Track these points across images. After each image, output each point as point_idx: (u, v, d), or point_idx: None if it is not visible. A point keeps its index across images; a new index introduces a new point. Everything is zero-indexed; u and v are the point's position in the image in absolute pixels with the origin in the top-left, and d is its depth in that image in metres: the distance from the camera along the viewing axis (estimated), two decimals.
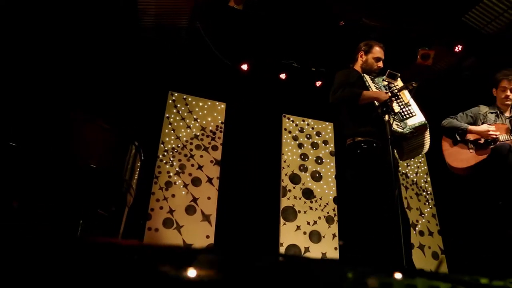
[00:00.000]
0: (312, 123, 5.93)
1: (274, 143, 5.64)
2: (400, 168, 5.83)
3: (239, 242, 4.91)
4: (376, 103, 2.56)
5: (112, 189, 3.07)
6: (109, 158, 3.04)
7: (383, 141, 2.61)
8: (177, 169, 5.11)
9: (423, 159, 6.19)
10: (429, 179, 6.11)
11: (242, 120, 5.61)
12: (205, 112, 5.56)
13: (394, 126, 2.58)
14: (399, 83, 2.86)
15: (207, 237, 4.89)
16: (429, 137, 2.76)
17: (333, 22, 5.78)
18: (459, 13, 5.67)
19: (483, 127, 3.16)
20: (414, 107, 2.70)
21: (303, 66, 6.04)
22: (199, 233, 4.87)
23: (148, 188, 4.90)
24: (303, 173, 5.54)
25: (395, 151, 2.87)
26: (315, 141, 5.83)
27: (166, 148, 5.17)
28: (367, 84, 2.80)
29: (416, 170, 6.14)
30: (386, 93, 2.63)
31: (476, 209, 4.00)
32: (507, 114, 3.33)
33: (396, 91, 2.67)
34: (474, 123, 3.34)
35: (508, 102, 3.30)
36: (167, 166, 5.08)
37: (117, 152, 3.12)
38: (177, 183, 5.03)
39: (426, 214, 5.81)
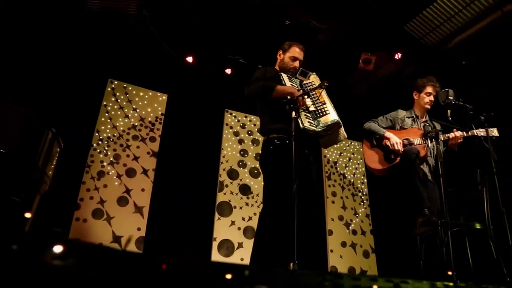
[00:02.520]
0: (254, 119, 5.95)
1: (215, 138, 5.62)
2: (338, 169, 5.98)
3: (171, 235, 4.85)
4: (289, 98, 2.57)
5: (22, 175, 2.94)
6: (19, 142, 2.92)
7: (297, 138, 2.66)
8: (111, 159, 4.98)
9: (361, 161, 6.37)
10: (365, 180, 6.30)
11: (184, 112, 5.53)
12: (146, 102, 5.46)
13: (307, 124, 2.63)
14: (317, 81, 2.91)
15: (139, 229, 4.81)
16: (344, 134, 2.83)
17: (283, 22, 5.81)
18: (402, 22, 5.87)
19: (395, 139, 3.27)
20: (329, 106, 2.76)
21: (250, 63, 6.05)
22: (130, 225, 4.78)
23: (78, 177, 4.75)
24: (241, 169, 5.56)
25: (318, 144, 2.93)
26: (256, 137, 5.86)
27: (101, 137, 5.03)
28: (283, 82, 2.83)
29: (354, 171, 6.31)
30: (299, 90, 2.68)
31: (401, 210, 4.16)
32: (423, 119, 3.48)
33: (308, 89, 2.72)
34: (393, 126, 3.47)
35: (428, 107, 3.45)
36: (101, 156, 4.95)
37: (29, 137, 3.00)
38: (110, 173, 4.91)
39: (360, 214, 5.99)
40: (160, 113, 5.48)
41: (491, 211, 2.65)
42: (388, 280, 0.96)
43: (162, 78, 5.60)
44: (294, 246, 2.14)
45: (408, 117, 3.47)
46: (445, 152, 3.13)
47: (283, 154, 2.47)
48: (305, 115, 2.68)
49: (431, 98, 3.39)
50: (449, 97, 2.97)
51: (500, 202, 2.40)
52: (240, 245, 5.12)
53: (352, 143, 6.56)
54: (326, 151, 6.20)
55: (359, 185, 6.22)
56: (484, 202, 2.72)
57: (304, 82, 2.87)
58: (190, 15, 5.47)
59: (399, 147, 3.22)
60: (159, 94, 5.59)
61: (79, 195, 4.66)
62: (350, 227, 5.83)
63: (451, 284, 0.97)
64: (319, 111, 2.72)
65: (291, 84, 2.84)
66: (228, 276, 1.18)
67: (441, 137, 3.01)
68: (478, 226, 2.71)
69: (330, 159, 6.21)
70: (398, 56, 5.80)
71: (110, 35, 5.34)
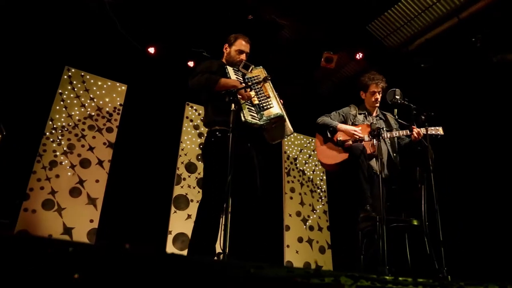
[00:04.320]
0: None
1: (174, 131, 5.55)
2: (298, 165, 6.04)
3: (124, 228, 4.77)
4: (230, 91, 2.58)
5: None
6: None
7: (240, 130, 2.68)
8: (65, 149, 4.84)
9: None
10: (325, 177, 6.40)
11: (143, 104, 5.44)
12: (104, 92, 5.33)
13: (249, 117, 2.64)
14: (263, 75, 2.92)
15: (91, 221, 4.70)
16: (290, 128, 2.85)
17: (248, 16, 5.79)
18: (364, 22, 5.97)
19: (351, 127, 3.34)
20: (273, 100, 2.77)
21: (213, 56, 6.01)
22: (82, 217, 4.66)
23: (29, 166, 4.59)
24: (200, 162, 5.53)
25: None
26: None
27: (54, 126, 4.87)
28: (228, 75, 2.83)
29: (313, 168, 6.39)
30: (241, 83, 2.69)
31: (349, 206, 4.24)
32: (374, 114, 3.55)
33: (252, 82, 2.74)
34: (345, 122, 3.53)
35: (377, 104, 3.52)
36: (54, 145, 4.80)
37: None
38: (63, 163, 4.77)
39: (318, 210, 6.08)
40: (118, 103, 5.37)
41: (430, 208, 2.73)
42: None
43: (122, 68, 5.47)
44: (221, 236, 2.17)
45: (360, 113, 3.53)
46: (408, 147, 3.22)
47: (223, 146, 2.47)
48: (248, 108, 2.69)
49: (377, 96, 3.45)
50: (396, 96, 3.04)
51: (434, 200, 2.49)
52: None
53: (313, 140, 6.64)
54: (287, 147, 6.25)
55: (318, 182, 6.31)
56: (422, 199, 2.82)
57: (248, 75, 2.88)
58: (153, 5, 5.38)
59: (358, 134, 3.27)
60: (118, 84, 5.47)
61: (28, 185, 4.51)
62: (307, 223, 5.91)
63: (357, 274, 0.98)
64: (263, 104, 2.73)
65: (236, 77, 2.85)
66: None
67: (384, 135, 3.10)
68: (415, 222, 2.81)
69: (290, 155, 6.27)
70: (359, 56, 5.89)
71: (68, 21, 5.17)
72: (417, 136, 3.04)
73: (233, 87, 2.63)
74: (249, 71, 2.87)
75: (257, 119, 2.68)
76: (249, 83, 2.71)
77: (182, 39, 5.77)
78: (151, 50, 5.61)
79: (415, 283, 0.80)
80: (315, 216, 6.03)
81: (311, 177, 6.28)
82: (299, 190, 6.07)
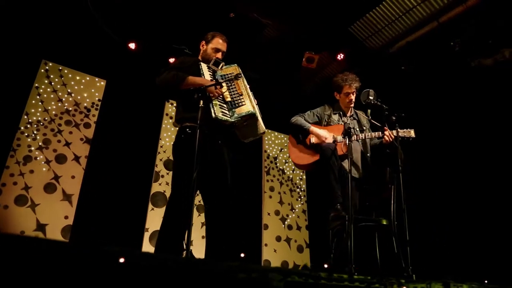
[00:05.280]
0: None
1: (153, 128, 5.51)
2: (278, 164, 6.05)
3: (100, 224, 4.71)
4: (199, 88, 2.58)
5: None
6: None
7: (211, 127, 2.69)
8: (40, 144, 4.76)
9: None
10: (304, 176, 6.42)
11: (122, 100, 5.38)
12: (82, 87, 5.26)
13: (220, 114, 2.64)
14: (236, 72, 2.92)
15: (66, 217, 4.64)
16: (262, 127, 2.85)
17: (230, 14, 5.77)
18: (347, 23, 6.01)
19: (322, 132, 3.35)
20: (245, 98, 2.77)
21: (194, 54, 5.97)
22: (57, 213, 4.60)
23: (2, 161, 4.50)
24: None
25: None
26: None
27: (30, 120, 4.79)
28: (202, 72, 2.83)
29: (293, 167, 6.41)
30: (211, 80, 2.69)
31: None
32: (348, 114, 3.57)
33: (223, 80, 2.74)
34: (319, 122, 3.54)
35: (352, 105, 3.54)
36: (29, 140, 4.71)
37: None
38: (38, 158, 4.69)
39: (296, 210, 6.11)
40: (97, 99, 5.30)
41: (400, 208, 2.76)
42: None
43: (101, 63, 5.40)
44: (188, 235, 2.17)
45: (335, 113, 3.55)
46: (378, 148, 3.25)
47: (192, 143, 2.46)
48: (219, 105, 2.69)
49: (350, 97, 3.46)
50: (370, 97, 3.07)
51: (402, 200, 2.52)
52: None
53: None
54: (267, 146, 6.26)
55: (297, 181, 6.34)
56: (391, 199, 2.86)
57: (222, 73, 2.87)
58: (135, 1, 5.32)
59: (328, 138, 3.28)
60: (97, 79, 5.40)
61: (1, 180, 4.42)
62: (286, 222, 5.93)
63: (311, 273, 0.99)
64: (235, 101, 2.73)
65: (210, 74, 2.84)
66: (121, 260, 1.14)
67: (356, 136, 3.12)
68: (384, 222, 2.84)
69: (270, 154, 6.28)
70: (340, 56, 5.93)
71: (46, 14, 5.07)
72: (388, 139, 3.07)
73: (201, 85, 2.63)
74: (220, 68, 2.87)
75: (228, 116, 2.68)
76: (220, 81, 2.71)
77: (163, 35, 5.73)
78: (132, 45, 5.55)
79: (351, 280, 0.81)
80: (294, 215, 6.05)
81: (291, 176, 6.30)
82: (279, 189, 6.08)
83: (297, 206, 6.13)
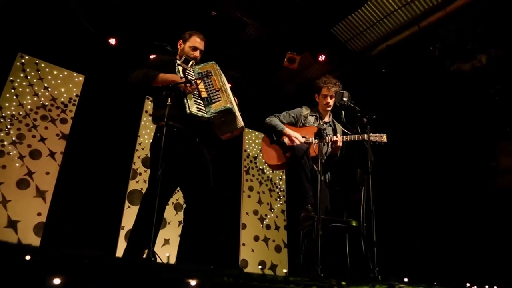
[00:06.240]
0: None
1: (132, 125, 5.44)
2: (257, 164, 6.05)
3: (75, 222, 4.64)
4: (169, 85, 2.58)
5: None
6: None
7: (189, 125, 2.69)
8: (13, 139, 4.66)
9: None
10: (284, 176, 6.43)
11: (101, 96, 5.30)
12: (59, 81, 5.17)
13: (194, 109, 2.64)
14: (214, 70, 2.92)
15: (39, 214, 4.55)
16: (240, 123, 2.84)
17: (212, 12, 5.73)
18: (329, 24, 6.03)
19: (295, 134, 3.35)
20: (222, 94, 2.77)
21: (176, 51, 5.92)
22: (29, 210, 4.51)
23: None
24: None
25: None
26: None
27: (3, 114, 4.69)
28: (177, 70, 2.82)
29: None
30: (182, 78, 2.68)
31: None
32: (326, 119, 3.58)
33: (199, 77, 2.75)
34: (295, 123, 3.55)
35: (328, 108, 3.55)
36: (2, 134, 4.61)
37: None
38: (11, 153, 4.59)
39: (275, 209, 6.11)
40: (74, 94, 5.22)
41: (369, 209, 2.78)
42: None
43: (80, 58, 5.32)
44: (154, 233, 2.16)
45: (312, 115, 3.56)
46: (328, 155, 3.28)
47: (166, 142, 2.45)
48: (195, 101, 2.70)
49: (328, 100, 3.47)
50: (344, 99, 3.08)
51: (371, 201, 2.54)
52: None
53: None
54: (247, 146, 6.25)
55: (277, 181, 6.34)
56: (361, 201, 2.87)
57: (199, 70, 2.88)
58: None
59: (299, 140, 3.29)
60: (75, 74, 5.32)
61: None
62: (264, 222, 5.93)
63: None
64: (211, 97, 2.74)
65: (187, 72, 2.84)
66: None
67: (326, 139, 3.13)
68: (354, 223, 2.86)
69: (250, 154, 6.27)
70: (321, 58, 5.94)
71: (24, 5, 4.97)
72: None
73: (172, 82, 2.64)
74: (189, 65, 2.87)
75: (204, 112, 2.68)
76: (194, 78, 2.72)
77: (145, 31, 5.67)
78: (112, 41, 5.47)
79: (286, 281, 0.80)
80: (272, 215, 6.05)
81: (271, 176, 6.31)
82: (258, 188, 6.08)
83: (276, 206, 6.14)
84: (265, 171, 6.30)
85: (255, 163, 6.25)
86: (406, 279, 2.00)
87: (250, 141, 6.34)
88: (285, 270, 5.52)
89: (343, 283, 0.97)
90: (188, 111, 2.62)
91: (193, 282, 0.70)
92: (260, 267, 5.46)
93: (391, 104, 6.03)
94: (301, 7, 5.63)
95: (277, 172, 6.40)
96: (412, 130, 5.85)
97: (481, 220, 4.16)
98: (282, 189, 6.33)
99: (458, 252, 4.03)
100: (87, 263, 1.16)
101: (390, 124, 4.02)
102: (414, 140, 5.57)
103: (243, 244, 5.61)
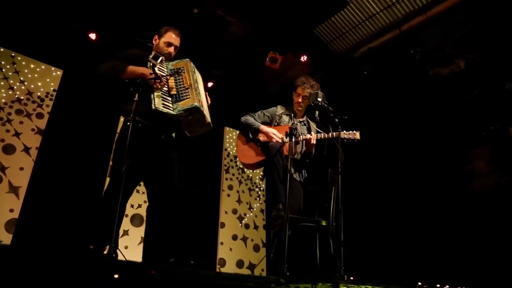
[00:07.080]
0: None
1: (111, 121, 5.37)
2: (237, 163, 6.03)
3: (49, 219, 4.56)
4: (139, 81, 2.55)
5: None
6: None
7: (155, 122, 2.67)
8: None
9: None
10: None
11: (79, 91, 5.22)
12: (36, 75, 5.08)
13: (160, 106, 2.62)
14: (188, 67, 2.90)
15: (11, 210, 4.46)
16: (208, 121, 2.83)
17: (193, 10, 5.69)
18: (312, 25, 6.04)
19: (271, 130, 3.35)
20: (192, 92, 2.75)
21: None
22: (1, 206, 4.42)
23: None
24: None
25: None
26: None
27: None
28: (149, 65, 2.79)
29: None
30: (151, 74, 2.65)
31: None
32: (300, 118, 3.59)
33: (170, 74, 2.74)
34: (270, 122, 3.54)
35: (300, 108, 3.54)
36: None
37: None
38: None
39: (255, 209, 6.11)
40: (52, 89, 5.14)
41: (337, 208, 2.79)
42: None
43: (59, 52, 5.23)
44: (116, 230, 2.14)
45: (286, 114, 3.56)
46: (303, 153, 3.29)
47: (131, 137, 2.42)
48: (162, 97, 2.67)
49: (299, 99, 3.48)
50: (318, 99, 3.09)
51: (339, 201, 2.55)
52: (125, 232, 4.98)
53: None
54: (228, 144, 6.24)
55: (257, 181, 6.34)
56: (331, 200, 2.88)
57: (172, 67, 2.87)
58: None
59: (277, 136, 3.28)
60: (53, 68, 5.23)
61: None
62: (243, 221, 5.93)
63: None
64: (180, 95, 2.72)
65: (159, 68, 2.81)
66: None
67: (300, 138, 3.15)
68: (324, 223, 2.87)
69: (231, 152, 6.26)
70: (303, 58, 5.96)
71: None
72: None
73: (141, 75, 2.62)
74: (158, 62, 2.84)
75: (171, 109, 2.66)
76: (164, 74, 2.70)
77: (126, 27, 5.60)
78: (93, 36, 5.40)
79: (218, 277, 0.79)
80: (251, 214, 6.05)
81: (250, 175, 6.30)
82: (237, 187, 6.07)
83: (255, 205, 6.14)
84: (245, 170, 6.29)
85: (235, 162, 6.24)
86: (352, 278, 2.01)
87: (231, 140, 6.33)
88: (262, 269, 5.53)
89: (283, 280, 0.96)
90: (153, 107, 2.60)
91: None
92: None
93: (373, 105, 6.09)
94: (285, 7, 5.63)
95: (257, 171, 6.40)
96: (391, 132, 5.91)
97: (454, 220, 4.22)
98: (262, 189, 6.33)
99: (428, 252, 4.08)
100: (46, 259, 1.15)
101: (371, 125, 4.06)
102: (393, 141, 5.63)
103: (221, 243, 5.59)
